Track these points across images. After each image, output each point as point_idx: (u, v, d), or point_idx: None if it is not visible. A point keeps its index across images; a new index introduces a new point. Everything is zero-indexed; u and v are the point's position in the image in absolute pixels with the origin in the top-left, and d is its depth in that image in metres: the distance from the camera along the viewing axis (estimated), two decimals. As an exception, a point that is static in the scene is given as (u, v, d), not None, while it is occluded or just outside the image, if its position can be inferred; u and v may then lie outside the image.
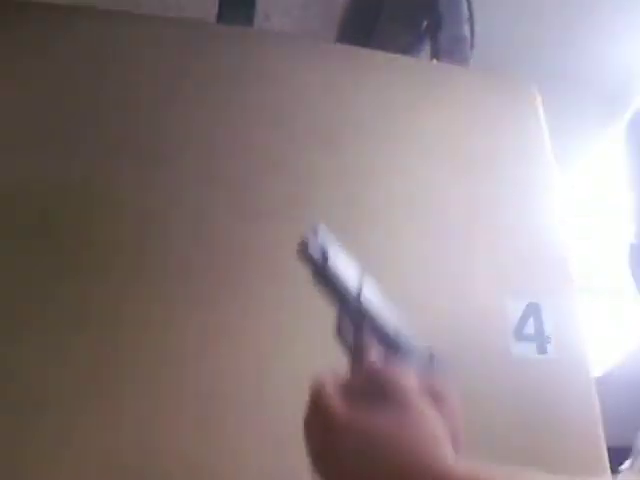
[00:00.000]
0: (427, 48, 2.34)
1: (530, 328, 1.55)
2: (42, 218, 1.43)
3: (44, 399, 1.27)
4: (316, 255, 0.93)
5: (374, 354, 0.95)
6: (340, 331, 0.96)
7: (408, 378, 0.89)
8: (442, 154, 1.73)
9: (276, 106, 1.69)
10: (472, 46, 2.24)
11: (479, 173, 1.72)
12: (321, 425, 0.87)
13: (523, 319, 1.55)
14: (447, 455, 0.83)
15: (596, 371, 1.62)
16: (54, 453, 1.24)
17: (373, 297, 0.97)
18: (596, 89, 2.62)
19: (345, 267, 0.95)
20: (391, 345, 0.97)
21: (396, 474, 0.82)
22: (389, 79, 1.82)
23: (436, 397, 0.91)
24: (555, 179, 1.79)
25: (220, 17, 2.02)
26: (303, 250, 0.93)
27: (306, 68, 1.77)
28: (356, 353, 0.96)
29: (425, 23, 2.34)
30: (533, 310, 1.56)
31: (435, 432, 0.85)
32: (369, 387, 0.89)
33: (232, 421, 1.32)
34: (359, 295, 0.96)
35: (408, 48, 2.37)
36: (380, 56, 1.93)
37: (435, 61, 2.23)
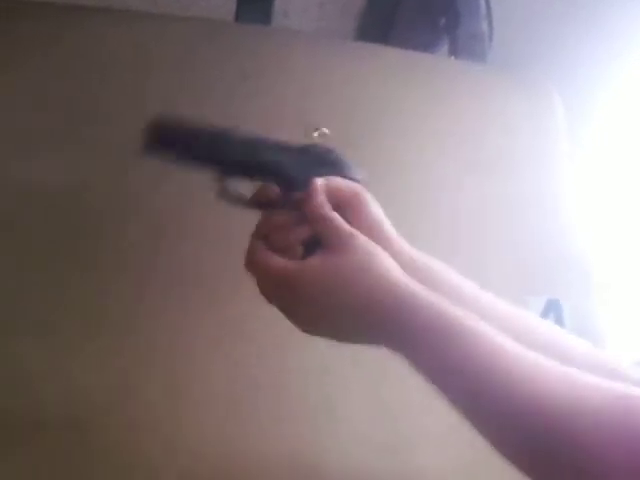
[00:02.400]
0: (445, 45, 2.34)
1: (550, 324, 1.55)
2: (58, 218, 1.43)
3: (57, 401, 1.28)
4: None
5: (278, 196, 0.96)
6: (224, 192, 0.96)
7: (322, 204, 0.91)
8: (458, 151, 1.72)
9: (294, 104, 1.69)
10: (490, 43, 2.24)
11: (496, 170, 1.71)
12: (274, 285, 0.90)
13: (543, 315, 1.54)
14: (396, 271, 0.85)
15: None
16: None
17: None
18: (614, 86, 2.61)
19: None
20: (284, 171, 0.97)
21: (363, 303, 0.84)
22: (407, 76, 1.82)
23: (348, 200, 0.93)
24: (571, 174, 1.78)
25: (238, 16, 2.02)
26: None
27: (324, 65, 1.77)
28: (259, 204, 0.96)
29: (443, 20, 2.34)
30: (553, 306, 1.55)
31: (380, 257, 0.86)
32: (295, 234, 0.92)
33: (254, 420, 1.32)
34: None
35: (426, 45, 2.37)
36: (398, 53, 1.93)
37: (453, 58, 2.23)
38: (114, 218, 1.43)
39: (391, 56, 1.88)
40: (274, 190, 0.96)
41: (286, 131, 1.62)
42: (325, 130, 0.99)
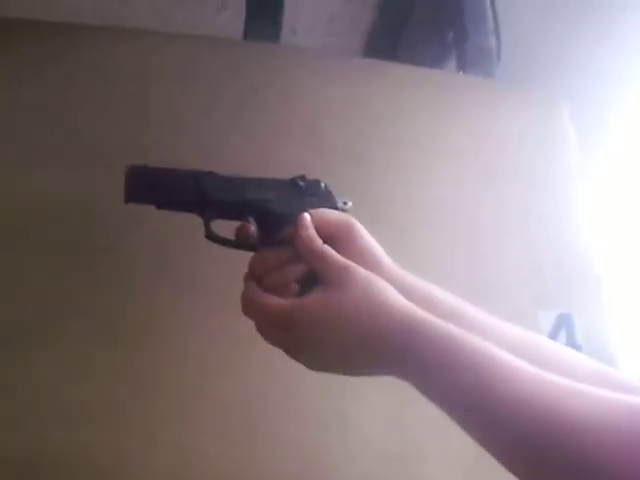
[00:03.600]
0: (453, 60, 2.34)
1: (562, 338, 1.54)
2: (72, 233, 1.43)
3: (75, 415, 1.28)
4: None
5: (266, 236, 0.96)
6: (213, 235, 0.96)
7: (313, 239, 0.90)
8: (469, 165, 1.72)
9: (304, 120, 1.69)
10: (499, 57, 2.24)
11: (507, 184, 1.71)
12: (274, 326, 0.89)
13: (555, 329, 1.54)
14: (397, 297, 0.85)
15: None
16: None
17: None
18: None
19: None
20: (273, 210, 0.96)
21: (364, 335, 0.83)
22: (415, 92, 1.82)
23: (339, 232, 0.93)
24: (583, 189, 1.78)
25: (246, 34, 2.03)
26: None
27: (333, 82, 1.78)
28: (244, 244, 0.96)
29: (450, 35, 2.34)
30: (565, 320, 1.55)
31: (379, 286, 0.86)
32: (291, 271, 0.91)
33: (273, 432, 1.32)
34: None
35: (434, 60, 2.37)
36: (406, 69, 1.93)
37: (461, 73, 2.23)
38: (120, 230, 1.43)
39: (399, 72, 1.88)
40: (253, 228, 0.95)
41: (294, 147, 1.64)
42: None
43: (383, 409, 1.33)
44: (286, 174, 1.52)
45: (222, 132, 1.65)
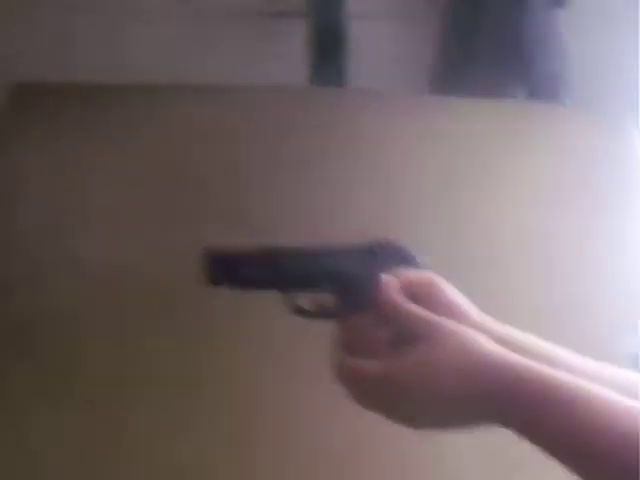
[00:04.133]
0: (521, 88, 2.34)
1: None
2: (154, 294, 1.45)
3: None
4: None
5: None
6: (298, 309, 0.95)
7: (400, 300, 0.89)
8: (544, 192, 1.71)
9: (373, 162, 1.70)
10: (566, 83, 2.23)
11: (581, 209, 1.69)
12: (373, 390, 0.87)
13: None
14: (491, 345, 0.83)
15: None
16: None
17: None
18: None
19: None
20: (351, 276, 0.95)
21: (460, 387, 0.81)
22: (485, 123, 1.81)
23: (422, 290, 0.91)
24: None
25: (312, 79, 2.05)
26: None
27: (401, 121, 1.78)
28: (326, 314, 0.95)
29: (517, 63, 2.34)
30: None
31: (469, 336, 0.84)
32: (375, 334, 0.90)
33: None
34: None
35: (502, 90, 2.37)
36: (474, 102, 1.93)
37: (530, 100, 2.23)
38: (192, 296, 1.44)
39: (467, 106, 1.88)
40: (333, 298, 0.95)
41: (367, 189, 1.64)
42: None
43: (480, 454, 1.32)
44: (361, 218, 1.53)
45: (293, 178, 1.66)
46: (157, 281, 1.47)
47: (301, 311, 0.96)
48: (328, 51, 2.04)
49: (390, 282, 0.92)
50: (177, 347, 1.41)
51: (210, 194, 1.62)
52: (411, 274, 0.94)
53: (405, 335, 0.88)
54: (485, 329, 0.88)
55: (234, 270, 0.97)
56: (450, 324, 0.85)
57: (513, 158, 1.76)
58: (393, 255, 0.97)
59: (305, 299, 0.96)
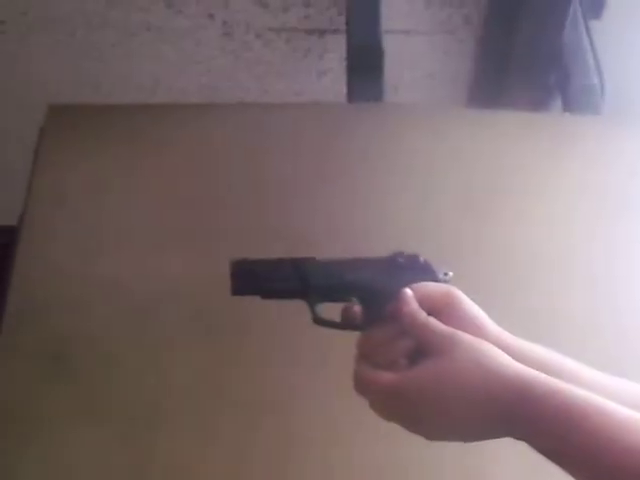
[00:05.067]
0: (558, 101, 2.33)
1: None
2: (197, 316, 1.47)
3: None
4: None
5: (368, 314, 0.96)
6: (322, 320, 0.97)
7: (418, 313, 0.91)
8: (583, 204, 1.71)
9: (410, 176, 1.71)
10: (603, 94, 2.22)
11: (620, 220, 1.69)
12: (389, 400, 0.89)
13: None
14: (506, 359, 0.84)
15: None
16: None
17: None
18: None
19: None
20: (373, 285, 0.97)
21: (478, 402, 0.82)
22: (523, 137, 1.82)
23: (441, 303, 0.92)
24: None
25: (350, 96, 2.06)
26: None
27: (440, 135, 1.79)
28: (351, 325, 0.96)
29: (553, 77, 2.34)
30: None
31: (486, 349, 0.85)
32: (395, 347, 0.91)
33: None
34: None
35: (539, 104, 2.37)
36: (511, 115, 1.94)
37: (567, 113, 2.22)
38: (240, 314, 1.45)
39: (505, 119, 1.89)
40: (357, 308, 0.97)
41: (408, 206, 1.64)
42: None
43: (520, 468, 1.31)
44: (403, 235, 1.53)
45: (334, 196, 1.67)
46: (194, 301, 1.49)
47: (323, 321, 0.97)
48: (366, 67, 2.05)
49: (409, 294, 0.93)
50: (213, 368, 1.42)
51: (247, 211, 1.63)
52: (432, 287, 0.95)
53: (423, 347, 0.89)
54: (503, 344, 0.89)
55: (259, 279, 0.99)
56: (467, 337, 0.87)
57: (552, 172, 1.76)
58: (416, 268, 0.99)
59: (329, 309, 0.98)
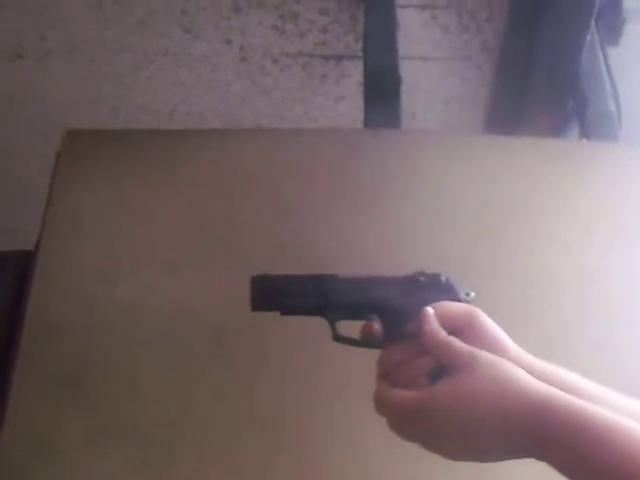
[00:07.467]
0: (575, 128, 2.33)
1: None
2: (215, 337, 1.46)
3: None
4: None
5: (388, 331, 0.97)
6: (342, 337, 0.97)
7: (438, 332, 0.91)
8: (599, 231, 1.70)
9: (428, 199, 1.71)
10: (620, 120, 2.23)
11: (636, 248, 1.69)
12: (408, 419, 0.89)
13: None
14: (527, 377, 0.84)
15: None
16: None
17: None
18: None
19: None
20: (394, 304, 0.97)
21: (496, 419, 0.82)
22: (540, 163, 1.82)
23: (462, 322, 0.93)
24: None
25: (367, 122, 2.06)
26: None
27: (455, 160, 1.79)
28: (371, 343, 0.96)
29: (570, 103, 2.34)
30: None
31: (505, 367, 0.85)
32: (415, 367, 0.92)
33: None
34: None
35: (556, 130, 2.37)
36: (528, 141, 1.94)
37: (584, 140, 2.22)
38: (257, 334, 1.44)
39: (522, 145, 1.89)
40: (377, 326, 0.97)
41: (425, 231, 1.64)
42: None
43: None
44: (418, 259, 1.52)
45: (349, 219, 1.67)
46: (211, 322, 1.48)
47: (343, 339, 0.97)
48: (383, 93, 2.05)
49: (430, 313, 0.93)
50: (231, 387, 1.41)
51: (264, 234, 1.63)
52: (453, 306, 0.96)
53: (444, 366, 0.89)
54: (525, 364, 0.89)
55: (278, 295, 0.99)
56: (488, 356, 0.87)
57: (569, 197, 1.76)
58: (437, 287, 0.99)
59: (347, 326, 0.98)
